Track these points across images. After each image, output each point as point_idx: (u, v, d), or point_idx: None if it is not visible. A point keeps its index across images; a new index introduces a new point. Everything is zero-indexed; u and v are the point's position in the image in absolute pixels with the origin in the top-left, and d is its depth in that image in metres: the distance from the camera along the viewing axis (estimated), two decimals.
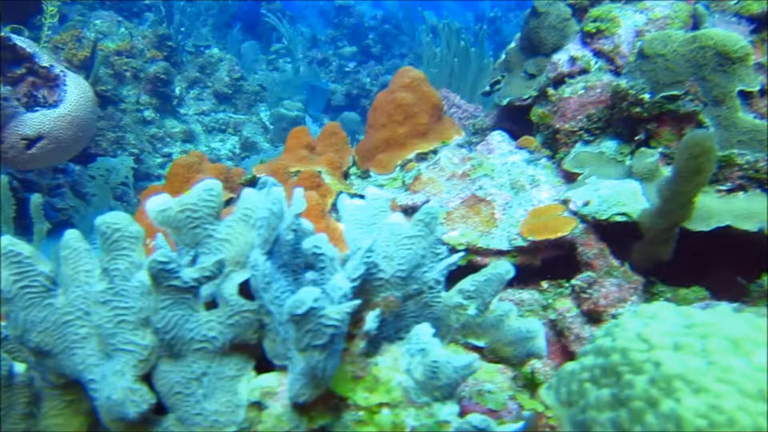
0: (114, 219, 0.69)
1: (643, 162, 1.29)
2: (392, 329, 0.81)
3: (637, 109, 1.35)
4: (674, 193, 1.10)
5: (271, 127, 5.24)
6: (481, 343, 0.84)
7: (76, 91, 2.47)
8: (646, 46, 1.36)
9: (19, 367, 0.76)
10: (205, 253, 0.74)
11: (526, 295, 1.30)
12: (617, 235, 1.29)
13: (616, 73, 1.53)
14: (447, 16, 4.71)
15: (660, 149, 1.35)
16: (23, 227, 2.51)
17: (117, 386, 0.68)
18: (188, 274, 0.67)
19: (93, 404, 0.72)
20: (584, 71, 1.56)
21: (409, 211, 1.48)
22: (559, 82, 1.58)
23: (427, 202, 1.48)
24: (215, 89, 5.23)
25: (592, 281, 1.22)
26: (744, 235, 1.16)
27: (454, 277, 0.85)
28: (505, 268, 0.85)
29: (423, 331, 0.67)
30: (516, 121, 1.91)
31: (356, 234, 0.75)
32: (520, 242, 1.34)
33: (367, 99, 6.45)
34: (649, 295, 1.22)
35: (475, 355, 0.65)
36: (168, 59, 4.89)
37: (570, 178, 1.46)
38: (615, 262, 1.24)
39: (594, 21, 1.57)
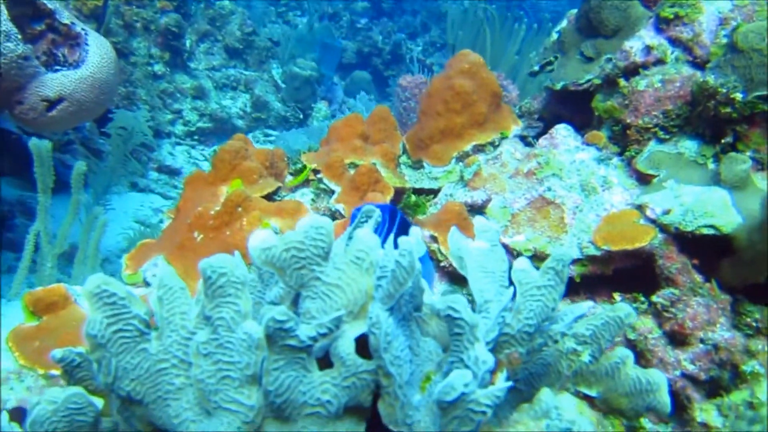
0: (219, 263, 0.61)
1: (734, 169, 1.20)
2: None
3: (727, 109, 1.25)
4: None
5: (283, 85, 5.08)
6: (593, 393, 0.78)
7: (98, 52, 2.35)
8: (739, 38, 1.25)
9: (99, 403, 0.69)
10: (312, 297, 0.66)
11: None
12: (699, 247, 1.21)
13: (695, 64, 1.42)
14: None
15: (748, 153, 1.26)
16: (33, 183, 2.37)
17: None
18: (305, 332, 0.59)
19: None
20: (660, 62, 1.45)
21: (467, 208, 1.39)
22: (631, 72, 1.47)
23: (488, 200, 1.39)
24: (226, 43, 5.03)
25: (675, 299, 1.15)
26: None
27: None
28: (625, 311, 0.77)
29: (566, 405, 0.60)
30: (568, 106, 1.81)
31: (482, 283, 0.67)
32: (592, 251, 1.26)
33: (379, 57, 6.27)
34: (736, 314, 1.15)
35: None
36: (178, 9, 4.69)
37: (643, 179, 1.37)
38: (699, 279, 1.17)
39: (672, 6, 1.46)
